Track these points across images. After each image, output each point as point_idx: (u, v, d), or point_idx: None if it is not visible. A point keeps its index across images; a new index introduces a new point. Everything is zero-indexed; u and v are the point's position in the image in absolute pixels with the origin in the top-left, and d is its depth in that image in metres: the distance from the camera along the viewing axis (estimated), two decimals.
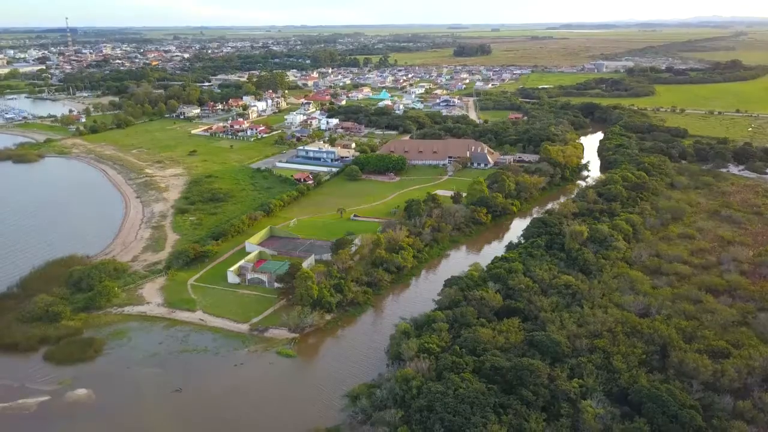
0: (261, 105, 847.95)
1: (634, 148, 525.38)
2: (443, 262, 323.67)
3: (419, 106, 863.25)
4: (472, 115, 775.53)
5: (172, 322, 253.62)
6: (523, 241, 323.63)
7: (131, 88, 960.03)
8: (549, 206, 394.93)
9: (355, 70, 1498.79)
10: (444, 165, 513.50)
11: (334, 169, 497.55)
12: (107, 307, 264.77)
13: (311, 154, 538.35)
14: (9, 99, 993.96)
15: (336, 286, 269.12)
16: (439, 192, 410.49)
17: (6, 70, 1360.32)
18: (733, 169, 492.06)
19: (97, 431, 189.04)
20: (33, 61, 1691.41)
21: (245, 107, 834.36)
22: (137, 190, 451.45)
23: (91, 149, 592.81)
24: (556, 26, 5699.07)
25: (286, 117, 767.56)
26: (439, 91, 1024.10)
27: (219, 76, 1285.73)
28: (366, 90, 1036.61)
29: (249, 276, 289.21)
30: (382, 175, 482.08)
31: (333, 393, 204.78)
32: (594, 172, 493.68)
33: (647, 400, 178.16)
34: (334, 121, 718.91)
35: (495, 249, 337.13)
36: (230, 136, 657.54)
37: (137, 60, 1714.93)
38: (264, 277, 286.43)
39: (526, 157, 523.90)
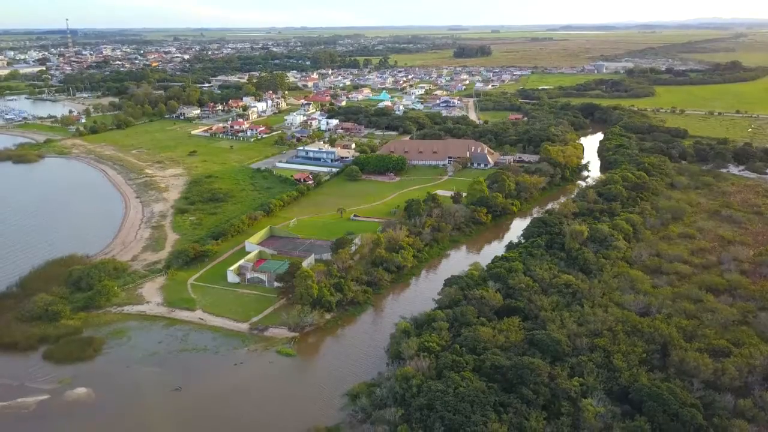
0: (261, 106, 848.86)
1: (634, 149, 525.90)
2: (443, 262, 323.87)
3: (419, 106, 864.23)
4: (472, 116, 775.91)
5: (172, 321, 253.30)
6: (523, 241, 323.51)
7: (131, 89, 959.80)
8: (549, 206, 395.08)
9: (355, 71, 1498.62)
10: (444, 165, 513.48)
11: (334, 170, 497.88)
12: (107, 307, 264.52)
13: (311, 155, 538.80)
14: (9, 100, 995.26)
15: (336, 285, 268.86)
16: (439, 192, 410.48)
17: (6, 71, 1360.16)
18: (734, 170, 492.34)
19: (96, 430, 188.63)
20: (33, 62, 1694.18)
21: (245, 108, 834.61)
22: (137, 190, 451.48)
23: (91, 149, 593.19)
24: (555, 28, 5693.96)
25: (286, 118, 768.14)
26: (439, 92, 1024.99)
27: (219, 77, 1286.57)
28: (366, 91, 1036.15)
29: (249, 275, 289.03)
30: (382, 176, 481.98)
31: (333, 392, 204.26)
32: (594, 172, 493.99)
33: (648, 399, 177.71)
34: (334, 121, 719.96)
35: (495, 249, 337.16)
36: (230, 137, 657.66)
37: (137, 61, 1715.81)
38: (264, 277, 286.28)
39: (526, 157, 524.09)
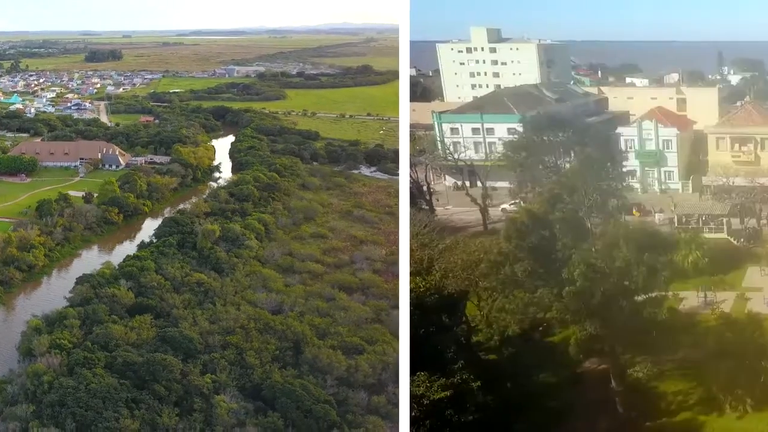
0: None
1: (266, 150, 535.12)
2: (76, 261, 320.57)
3: (51, 109, 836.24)
4: (104, 119, 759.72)
5: None
6: (155, 240, 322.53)
7: None
8: (181, 206, 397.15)
9: None
10: (76, 166, 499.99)
11: None
12: None
13: None
14: None
15: None
16: (72, 192, 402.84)
17: None
18: (365, 171, 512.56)
19: None
20: None
21: None
22: None
23: None
24: (186, 33, 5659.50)
25: None
26: (70, 96, 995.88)
27: None
28: None
29: None
30: (14, 177, 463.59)
31: None
32: (226, 173, 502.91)
33: (281, 395, 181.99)
34: None
35: (127, 248, 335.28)
36: None
37: None
38: None
39: (158, 158, 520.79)
